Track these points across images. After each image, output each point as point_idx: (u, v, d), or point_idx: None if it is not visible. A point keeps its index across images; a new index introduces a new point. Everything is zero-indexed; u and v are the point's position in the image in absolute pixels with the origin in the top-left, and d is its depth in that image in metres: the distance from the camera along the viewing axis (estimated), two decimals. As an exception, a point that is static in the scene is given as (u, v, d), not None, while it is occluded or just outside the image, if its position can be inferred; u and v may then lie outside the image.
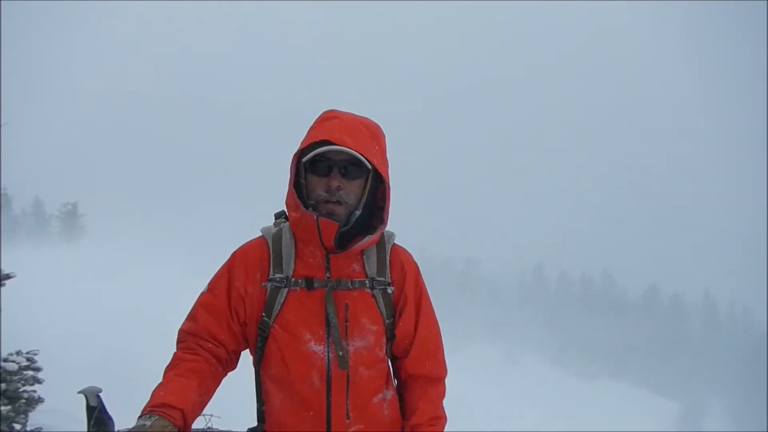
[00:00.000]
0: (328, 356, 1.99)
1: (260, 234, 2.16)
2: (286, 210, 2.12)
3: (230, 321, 2.07)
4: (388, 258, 2.13)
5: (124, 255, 41.31)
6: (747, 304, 75.58)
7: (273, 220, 2.21)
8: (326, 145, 1.96)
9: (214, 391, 2.01)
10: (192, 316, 2.09)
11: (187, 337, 2.05)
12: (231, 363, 2.11)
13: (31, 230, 56.58)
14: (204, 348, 2.02)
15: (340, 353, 1.98)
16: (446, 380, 2.22)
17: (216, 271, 2.16)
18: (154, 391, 1.85)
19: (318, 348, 2.00)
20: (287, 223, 2.14)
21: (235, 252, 2.15)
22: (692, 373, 64.21)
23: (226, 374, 2.09)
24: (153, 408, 1.78)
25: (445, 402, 2.18)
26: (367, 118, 2.11)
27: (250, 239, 2.19)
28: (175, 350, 2.06)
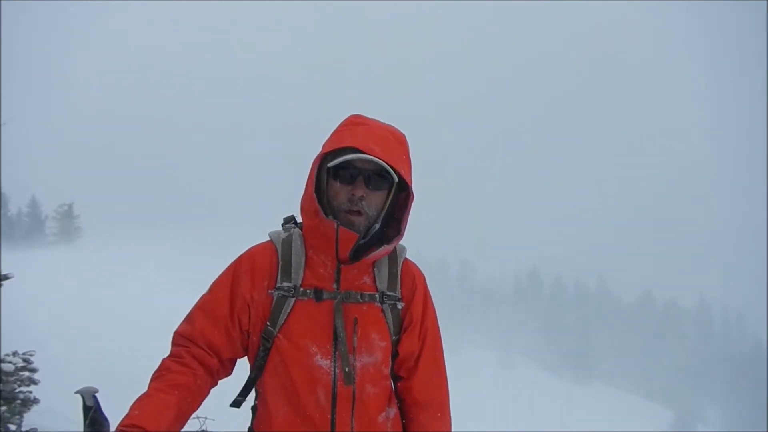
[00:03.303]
0: (335, 371, 1.90)
1: (268, 239, 2.05)
2: (300, 215, 2.02)
3: (230, 327, 1.96)
4: (399, 272, 2.05)
5: (119, 256, 41.31)
6: (741, 310, 75.80)
7: (275, 226, 2.10)
8: (353, 151, 1.87)
9: (198, 406, 1.91)
10: (189, 319, 1.99)
11: (181, 340, 1.95)
12: (224, 372, 2.00)
13: (27, 231, 56.34)
14: (195, 356, 1.91)
15: (347, 369, 1.89)
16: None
17: (219, 273, 2.05)
18: (133, 405, 1.77)
19: (324, 362, 1.91)
20: (297, 230, 2.03)
21: (241, 255, 2.03)
22: (686, 380, 64.31)
23: (216, 383, 1.99)
24: (124, 428, 1.70)
25: None
26: (393, 126, 2.02)
27: (257, 243, 2.06)
28: (167, 353, 1.96)
